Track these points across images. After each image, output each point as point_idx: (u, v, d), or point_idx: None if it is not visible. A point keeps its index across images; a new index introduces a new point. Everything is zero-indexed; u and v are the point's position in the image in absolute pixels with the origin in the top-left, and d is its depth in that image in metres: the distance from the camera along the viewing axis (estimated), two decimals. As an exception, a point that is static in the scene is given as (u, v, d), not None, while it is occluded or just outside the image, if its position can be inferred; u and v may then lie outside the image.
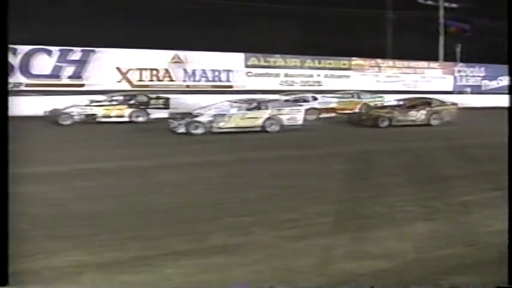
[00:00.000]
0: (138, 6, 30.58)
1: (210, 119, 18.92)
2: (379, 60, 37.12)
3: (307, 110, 22.33)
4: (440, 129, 21.77)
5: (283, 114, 20.21)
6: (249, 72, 32.49)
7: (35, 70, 26.99)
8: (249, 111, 19.78)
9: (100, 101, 23.07)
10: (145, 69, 29.64)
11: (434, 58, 39.91)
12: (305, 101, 26.01)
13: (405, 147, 15.78)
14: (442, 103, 24.52)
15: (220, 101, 21.28)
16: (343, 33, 35.78)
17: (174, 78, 30.39)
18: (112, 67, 28.61)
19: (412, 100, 24.96)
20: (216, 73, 31.61)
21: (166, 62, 30.18)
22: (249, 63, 32.52)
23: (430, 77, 38.71)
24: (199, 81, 31.12)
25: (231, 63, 31.85)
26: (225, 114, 19.19)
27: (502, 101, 34.72)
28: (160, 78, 30.07)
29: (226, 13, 32.87)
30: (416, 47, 36.60)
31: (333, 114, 26.46)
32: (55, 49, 27.32)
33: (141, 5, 30.64)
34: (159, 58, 29.87)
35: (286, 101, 24.12)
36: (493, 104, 31.47)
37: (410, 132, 20.72)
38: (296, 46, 35.69)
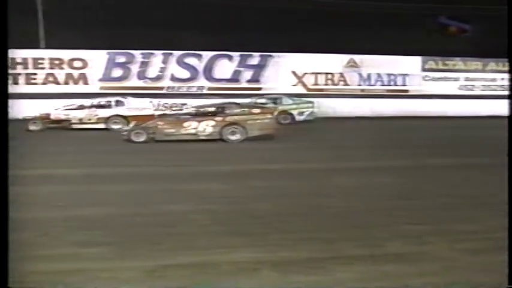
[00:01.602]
0: (312, 11, 30.94)
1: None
2: None
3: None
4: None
5: None
6: (426, 76, 31.43)
7: (216, 74, 28.54)
8: None
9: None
10: (321, 73, 29.95)
11: None
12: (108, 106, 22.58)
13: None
14: (252, 110, 18.60)
15: None
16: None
17: (348, 82, 30.36)
18: (288, 71, 29.31)
19: (214, 106, 19.04)
20: (392, 77, 31.01)
21: (341, 66, 30.26)
22: (427, 66, 31.46)
23: None
24: (374, 85, 30.74)
25: (407, 67, 31.05)
26: None
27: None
28: (335, 82, 30.22)
29: (400, 15, 32.02)
30: None
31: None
32: (235, 54, 28.64)
33: (315, 9, 30.95)
34: (334, 62, 30.03)
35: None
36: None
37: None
38: (476, 48, 33.72)
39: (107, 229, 7.00)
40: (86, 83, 27.59)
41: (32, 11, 27.81)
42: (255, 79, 28.92)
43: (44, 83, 27.23)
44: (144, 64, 28.05)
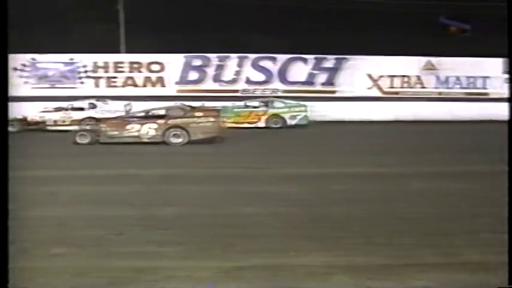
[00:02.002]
0: (388, 13, 30.40)
1: None
2: None
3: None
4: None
5: None
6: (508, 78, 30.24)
7: (291, 77, 28.58)
8: None
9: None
10: (397, 76, 29.40)
11: None
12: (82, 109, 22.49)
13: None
14: (195, 113, 18.20)
15: None
16: None
17: (425, 85, 29.63)
18: (363, 74, 28.95)
19: (160, 109, 18.75)
20: (471, 79, 30.01)
21: (418, 69, 29.56)
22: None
23: None
24: (452, 88, 29.88)
25: (488, 69, 29.97)
26: None
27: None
28: (412, 85, 29.55)
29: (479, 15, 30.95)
30: None
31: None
32: (310, 57, 28.56)
33: (390, 11, 30.40)
34: (410, 65, 29.38)
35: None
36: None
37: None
38: None
39: (182, 229, 7.16)
40: (163, 85, 28.24)
41: (113, 18, 28.77)
42: (329, 82, 28.72)
43: (123, 86, 28.09)
44: (220, 67, 28.41)
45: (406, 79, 29.59)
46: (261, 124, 23.78)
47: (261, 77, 28.55)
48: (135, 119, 18.20)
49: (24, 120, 22.03)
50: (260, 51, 28.41)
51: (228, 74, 28.49)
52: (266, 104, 24.67)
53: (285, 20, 29.56)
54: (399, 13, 30.03)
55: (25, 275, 5.56)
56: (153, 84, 28.27)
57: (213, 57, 28.36)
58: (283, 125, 23.80)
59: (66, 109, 22.62)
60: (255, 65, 28.56)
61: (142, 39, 28.07)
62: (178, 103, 20.51)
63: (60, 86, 27.83)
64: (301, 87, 28.40)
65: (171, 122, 17.67)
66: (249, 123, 23.71)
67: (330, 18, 29.63)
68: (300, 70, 28.68)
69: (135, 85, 28.20)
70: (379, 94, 28.81)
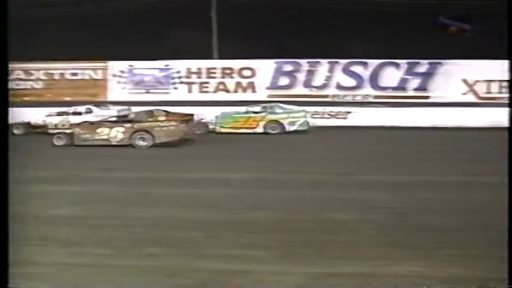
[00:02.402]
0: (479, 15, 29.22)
1: None
2: None
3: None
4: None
5: None
6: None
7: (382, 83, 28.08)
8: None
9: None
10: (494, 80, 28.20)
11: None
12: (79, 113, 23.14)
13: None
14: (159, 118, 19.18)
15: None
16: None
17: (526, 90, 28.22)
18: (458, 79, 27.98)
19: (129, 113, 20.07)
20: None
21: (517, 73, 28.23)
22: None
23: None
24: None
25: None
26: None
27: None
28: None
29: None
30: None
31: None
32: (403, 62, 27.95)
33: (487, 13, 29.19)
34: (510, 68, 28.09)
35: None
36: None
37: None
38: None
39: (271, 233, 7.19)
40: (254, 91, 28.54)
41: (206, 25, 29.43)
42: (422, 87, 27.92)
43: (215, 92, 28.63)
44: (310, 72, 28.34)
45: (504, 84, 28.32)
46: (259, 130, 23.33)
47: (351, 82, 28.23)
48: (106, 123, 19.14)
49: (28, 124, 23.30)
50: (351, 57, 28.13)
51: (318, 79, 28.39)
52: (265, 110, 24.02)
53: (375, 25, 29.11)
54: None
55: (118, 272, 5.80)
56: (244, 90, 28.62)
57: (304, 62, 28.35)
58: (282, 131, 23.16)
59: (66, 113, 23.62)
60: (346, 70, 28.28)
61: (234, 46, 28.53)
62: (143, 108, 21.52)
63: (155, 91, 28.79)
64: (393, 93, 27.84)
65: (137, 126, 18.50)
66: (247, 128, 23.39)
67: (423, 22, 28.92)
68: (391, 75, 28.10)
69: (227, 90, 28.66)
70: (474, 100, 27.73)
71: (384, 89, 28.01)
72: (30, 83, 29.67)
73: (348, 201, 9.21)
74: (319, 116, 26.68)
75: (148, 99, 27.85)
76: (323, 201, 9.29)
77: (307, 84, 28.37)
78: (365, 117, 26.39)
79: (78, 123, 20.06)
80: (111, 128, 18.63)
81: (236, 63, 28.57)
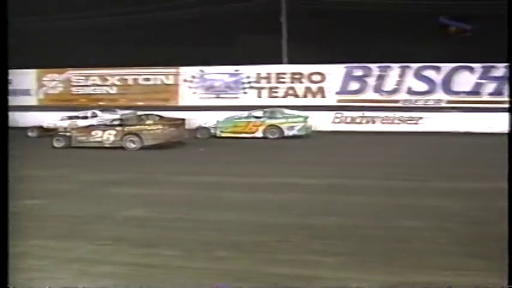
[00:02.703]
0: None
1: None
2: None
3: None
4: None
5: None
6: None
7: (456, 87, 27.37)
8: None
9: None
10: None
11: None
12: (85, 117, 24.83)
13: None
14: (146, 122, 20.40)
15: None
16: None
17: None
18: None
19: (125, 118, 21.43)
20: None
21: None
22: None
23: None
24: None
25: None
26: None
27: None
28: None
29: None
30: None
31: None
32: (477, 66, 27.15)
33: None
34: None
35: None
36: None
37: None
38: None
39: (342, 239, 7.15)
40: (323, 96, 28.46)
41: (276, 30, 29.58)
42: (498, 92, 27.02)
43: (284, 96, 28.71)
44: (381, 77, 28.01)
45: None
46: (259, 134, 23.77)
47: (423, 87, 27.68)
48: (100, 127, 20.57)
49: (41, 128, 24.99)
50: (423, 61, 27.59)
51: (389, 84, 27.99)
52: (267, 115, 24.40)
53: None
54: None
55: (186, 274, 5.91)
56: (314, 95, 28.58)
57: (374, 67, 28.03)
58: (280, 136, 23.57)
59: (76, 117, 25.19)
60: (418, 75, 27.76)
61: (303, 50, 28.54)
62: (133, 112, 23.43)
63: (225, 96, 29.18)
64: (467, 98, 27.09)
65: (127, 129, 19.73)
66: (247, 133, 23.81)
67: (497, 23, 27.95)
68: (465, 79, 27.36)
69: (296, 95, 28.70)
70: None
71: (457, 93, 27.32)
72: (106, 88, 30.69)
73: (420, 208, 9.03)
74: (389, 122, 26.34)
75: (218, 103, 28.28)
76: (394, 208, 9.15)
77: (377, 89, 28.02)
78: (437, 123, 25.83)
79: (77, 127, 21.98)
80: (104, 131, 20.00)
81: (306, 68, 28.57)
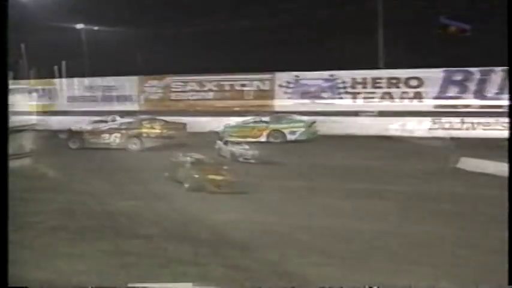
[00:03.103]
0: None
1: None
2: None
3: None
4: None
5: None
6: None
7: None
8: None
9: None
10: None
11: None
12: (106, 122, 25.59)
13: None
14: (144, 125, 22.57)
15: None
16: None
17: None
18: None
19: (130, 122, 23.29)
20: None
21: None
22: None
23: None
24: None
25: None
26: None
27: None
28: None
29: None
30: None
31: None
32: None
33: None
34: None
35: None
36: None
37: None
38: None
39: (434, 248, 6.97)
40: (420, 101, 27.71)
41: (372, 35, 29.18)
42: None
43: (380, 101, 28.20)
44: (482, 82, 26.90)
45: None
46: (263, 139, 24.56)
47: (529, 91, 26.33)
48: (109, 130, 22.53)
49: (70, 131, 25.01)
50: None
51: (491, 89, 26.84)
52: (272, 120, 25.32)
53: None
54: None
55: (272, 279, 6.00)
56: (410, 100, 27.93)
57: (475, 71, 27.00)
58: (283, 140, 24.38)
59: (102, 121, 26.06)
60: (524, 79, 26.42)
61: (400, 55, 27.96)
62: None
63: (320, 101, 29.10)
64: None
65: (130, 132, 22.00)
66: (252, 137, 24.24)
67: None
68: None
69: (392, 100, 28.16)
70: None
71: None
72: (202, 93, 31.50)
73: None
74: (491, 128, 25.27)
75: (313, 109, 28.25)
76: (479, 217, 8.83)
77: (478, 94, 26.99)
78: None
79: (87, 130, 23.47)
80: (111, 134, 22.16)
81: (403, 73, 27.99)
